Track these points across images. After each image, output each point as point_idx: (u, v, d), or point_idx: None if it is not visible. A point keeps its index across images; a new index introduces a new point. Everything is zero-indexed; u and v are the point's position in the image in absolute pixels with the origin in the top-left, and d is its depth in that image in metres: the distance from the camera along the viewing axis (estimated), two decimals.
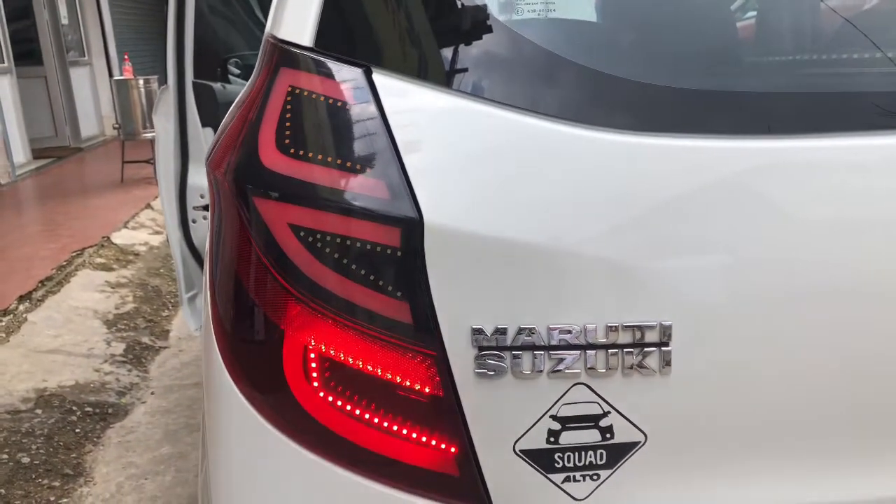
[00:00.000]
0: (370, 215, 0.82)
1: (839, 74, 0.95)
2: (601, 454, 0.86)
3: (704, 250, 0.83)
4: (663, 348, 0.83)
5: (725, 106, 0.85)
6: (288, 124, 0.85)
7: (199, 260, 2.59)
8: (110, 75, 10.20)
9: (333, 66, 0.87)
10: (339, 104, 0.85)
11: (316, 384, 0.86)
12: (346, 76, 0.86)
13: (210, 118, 2.52)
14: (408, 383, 0.84)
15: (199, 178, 2.48)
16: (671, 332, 0.82)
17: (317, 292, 0.84)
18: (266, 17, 2.94)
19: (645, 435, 0.85)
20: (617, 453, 0.86)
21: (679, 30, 0.93)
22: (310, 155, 0.84)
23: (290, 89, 0.86)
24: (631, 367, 0.83)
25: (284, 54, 0.89)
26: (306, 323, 0.85)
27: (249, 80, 1.04)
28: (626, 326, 0.82)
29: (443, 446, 0.85)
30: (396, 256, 0.82)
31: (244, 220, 0.87)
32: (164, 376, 3.42)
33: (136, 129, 7.00)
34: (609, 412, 0.84)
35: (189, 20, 2.38)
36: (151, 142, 7.15)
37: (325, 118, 0.86)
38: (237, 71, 3.16)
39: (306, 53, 0.88)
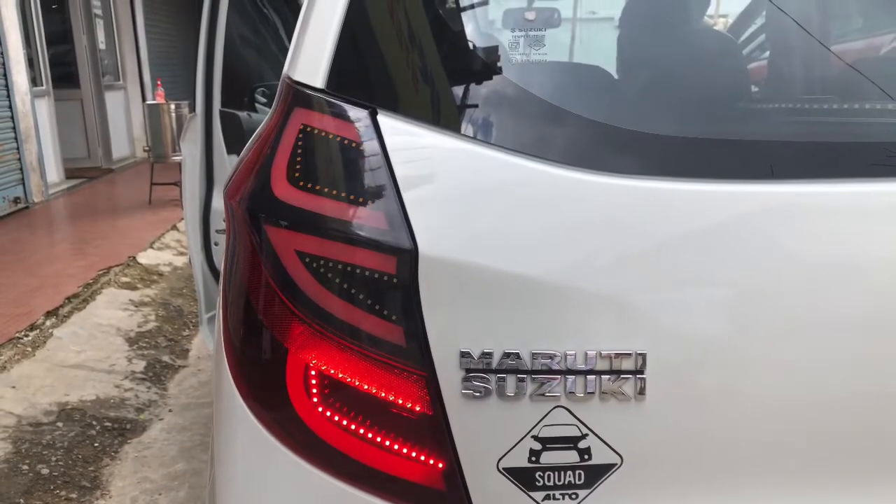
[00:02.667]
0: (369, 244, 0.89)
1: (839, 123, 1.01)
2: (580, 474, 0.91)
3: (680, 285, 0.88)
4: (638, 376, 0.88)
5: (701, 151, 0.92)
6: (299, 159, 0.93)
7: (219, 281, 2.67)
8: (143, 99, 10.49)
9: (342, 107, 0.95)
10: (345, 142, 0.93)
11: (316, 400, 0.92)
12: (354, 116, 0.94)
13: (236, 146, 2.61)
14: (400, 401, 0.91)
15: (222, 203, 2.57)
16: (646, 360, 0.88)
17: (318, 314, 0.91)
18: None
19: (621, 457, 0.91)
20: (594, 474, 0.91)
21: (678, 79, 1.00)
22: (317, 188, 0.92)
23: (302, 127, 0.94)
24: (608, 393, 0.89)
25: (298, 95, 0.97)
26: (308, 342, 0.92)
27: (267, 115, 1.13)
28: (604, 354, 0.88)
29: (431, 462, 0.91)
30: (392, 283, 0.89)
31: (255, 246, 0.94)
32: (182, 394, 3.50)
33: (165, 151, 7.19)
34: (587, 434, 0.90)
35: (219, 49, 2.49)
36: (180, 165, 7.33)
37: (332, 154, 0.93)
38: (263, 100, 3.27)
39: (318, 95, 0.96)
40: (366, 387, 0.91)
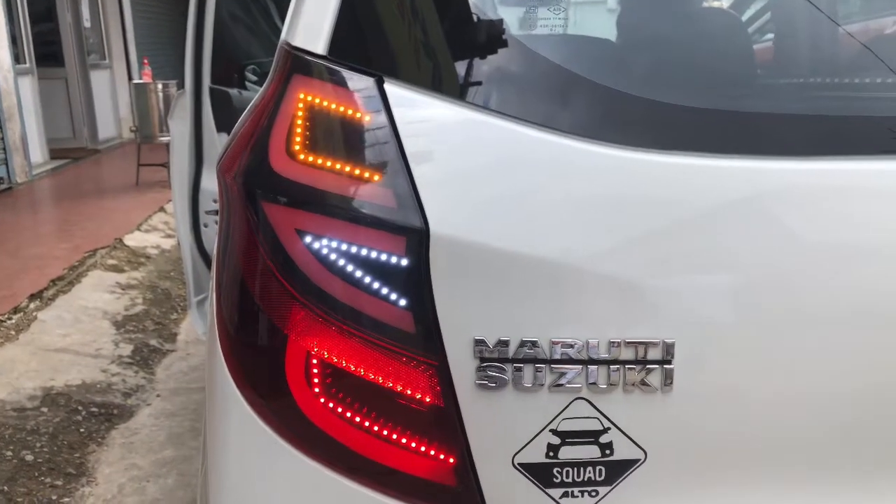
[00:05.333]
0: (376, 223, 0.82)
1: (855, 98, 0.95)
2: (600, 470, 0.85)
3: (711, 269, 0.82)
4: (666, 366, 0.82)
5: (737, 126, 0.85)
6: (299, 130, 0.86)
7: (209, 264, 2.60)
8: (129, 79, 10.31)
9: (346, 74, 0.88)
10: (350, 112, 0.86)
11: (317, 390, 0.86)
12: (358, 85, 0.87)
13: (226, 124, 2.53)
14: (408, 392, 0.84)
15: (212, 183, 2.49)
16: (674, 349, 0.82)
17: (321, 298, 0.84)
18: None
19: (645, 452, 0.85)
20: (616, 470, 0.85)
21: (693, 49, 0.93)
22: (319, 162, 0.85)
23: (302, 96, 0.87)
24: (632, 384, 0.83)
25: (298, 61, 0.89)
26: (309, 328, 0.85)
27: (263, 85, 1.05)
28: (629, 343, 0.82)
29: (441, 457, 0.85)
30: (401, 265, 0.82)
31: (252, 224, 0.87)
32: (170, 379, 3.43)
33: (152, 132, 7.06)
34: (609, 428, 0.84)
35: (209, 25, 2.40)
36: (167, 145, 7.20)
37: (335, 126, 0.86)
38: (254, 78, 3.18)
39: (319, 61, 0.88)
40: (371, 376, 0.84)
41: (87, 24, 9.72)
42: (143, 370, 3.50)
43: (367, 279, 0.83)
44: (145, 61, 7.87)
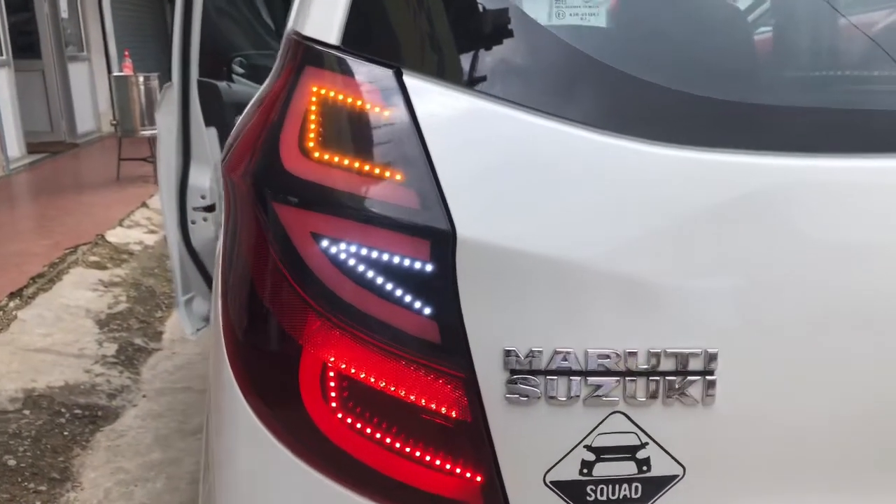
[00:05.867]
0: (399, 226, 0.77)
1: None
2: (636, 488, 0.80)
3: (757, 273, 0.78)
4: (707, 377, 0.78)
5: (783, 122, 0.81)
6: (312, 126, 0.80)
7: (197, 262, 2.53)
8: (109, 71, 10.13)
9: (362, 66, 0.82)
10: (367, 107, 0.80)
11: (334, 404, 0.80)
12: (376, 77, 0.81)
13: (214, 117, 2.46)
14: (433, 406, 0.79)
15: (200, 179, 2.42)
16: (717, 359, 0.77)
17: (339, 307, 0.78)
18: (272, 17, 2.90)
19: (683, 468, 0.80)
20: (653, 487, 0.81)
21: (735, 42, 0.88)
22: (335, 160, 0.79)
23: (315, 90, 0.81)
24: (672, 396, 0.78)
25: (309, 53, 0.84)
26: (327, 339, 0.79)
27: (268, 78, 0.99)
28: (669, 353, 0.77)
29: (468, 475, 0.80)
30: (426, 271, 0.77)
31: (262, 227, 0.81)
32: (156, 379, 3.35)
33: (134, 126, 6.93)
34: (647, 443, 0.79)
35: (196, 17, 2.33)
36: (149, 139, 7.08)
37: (351, 121, 0.81)
38: (241, 70, 3.12)
39: (333, 52, 0.83)
40: (393, 390, 0.79)
41: (64, 15, 9.53)
42: (127, 370, 3.41)
43: (389, 286, 0.77)
44: (126, 53, 7.72)
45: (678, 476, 0.80)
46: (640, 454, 0.80)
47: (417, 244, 0.76)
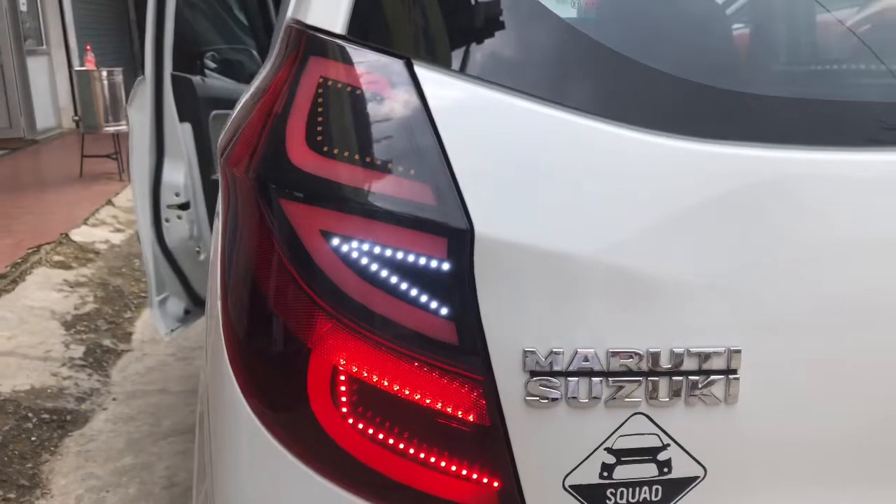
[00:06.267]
0: (414, 223, 0.74)
1: None
2: (657, 490, 0.79)
3: (782, 269, 0.76)
4: (731, 376, 0.76)
5: (806, 114, 0.79)
6: (320, 119, 0.77)
7: (171, 261, 2.47)
8: (69, 66, 9.88)
9: (370, 56, 0.79)
10: (377, 98, 0.77)
11: (344, 409, 0.77)
12: (385, 68, 0.78)
13: (189, 113, 2.40)
14: (449, 410, 0.76)
15: (174, 176, 2.36)
16: (740, 358, 0.76)
17: (351, 307, 0.75)
18: (243, 12, 2.83)
19: (704, 469, 0.79)
20: (673, 489, 0.79)
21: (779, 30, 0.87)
22: (345, 154, 0.76)
23: (321, 80, 0.78)
24: (695, 396, 0.76)
25: (313, 42, 0.80)
26: (336, 341, 0.76)
27: (266, 68, 0.95)
28: (692, 352, 0.75)
29: (485, 480, 0.77)
30: (442, 270, 0.74)
31: (267, 224, 0.78)
32: (126, 381, 3.27)
33: (97, 122, 6.76)
34: (668, 445, 0.77)
35: (170, 10, 2.27)
36: (113, 136, 6.93)
37: (361, 113, 0.77)
38: (213, 65, 3.06)
39: (339, 41, 0.79)
40: (407, 393, 0.76)
41: (23, 7, 9.27)
42: (96, 372, 3.32)
43: (404, 286, 0.74)
44: (88, 47, 7.52)
45: (699, 477, 0.79)
46: (661, 456, 0.78)
47: (434, 242, 0.73)
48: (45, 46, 9.90)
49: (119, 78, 6.84)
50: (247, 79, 3.01)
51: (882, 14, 0.97)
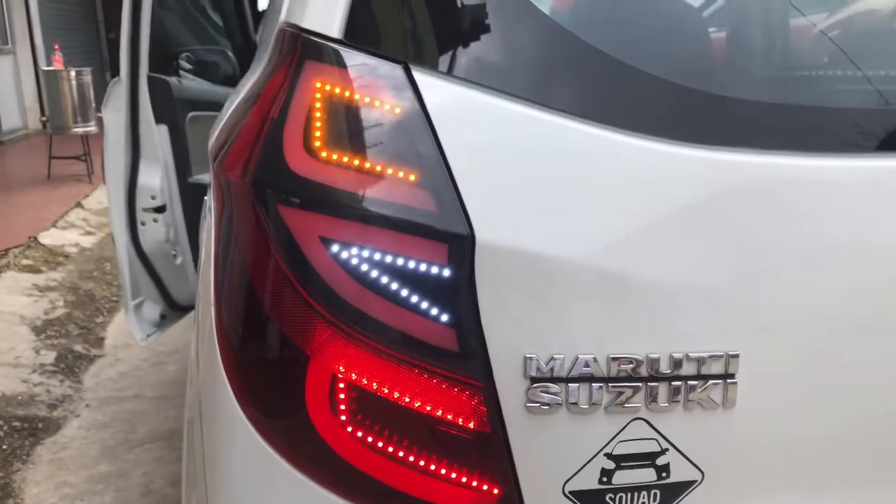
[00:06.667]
0: (414, 229, 0.73)
1: None
2: (655, 494, 0.79)
3: (780, 275, 0.77)
4: (729, 380, 0.77)
5: (811, 122, 0.80)
6: (318, 124, 0.76)
7: (147, 265, 2.43)
8: (35, 65, 9.69)
9: (368, 60, 0.78)
10: (375, 103, 0.76)
11: (343, 417, 0.76)
12: (383, 72, 0.77)
13: (165, 114, 2.37)
14: (450, 417, 0.76)
15: (150, 178, 2.33)
16: (738, 362, 0.76)
17: (349, 314, 0.74)
18: (218, 13, 2.79)
19: (702, 473, 0.79)
20: (671, 493, 0.79)
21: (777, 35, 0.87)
22: (344, 159, 0.75)
23: (318, 85, 0.77)
24: (694, 401, 0.77)
25: (309, 46, 0.79)
26: (335, 348, 0.75)
27: (258, 72, 0.94)
28: (691, 357, 0.76)
29: (485, 487, 0.77)
30: (443, 276, 0.73)
31: (264, 230, 0.77)
32: (99, 387, 3.21)
33: (65, 122, 6.65)
34: (667, 449, 0.78)
35: (146, 9, 2.24)
36: (82, 137, 6.81)
37: (360, 119, 0.77)
38: (188, 66, 3.02)
39: (335, 46, 0.78)
40: (407, 400, 0.75)
41: None
42: (68, 378, 3.26)
43: (405, 292, 0.74)
44: (56, 47, 7.39)
45: (697, 481, 0.79)
46: (660, 460, 0.78)
47: (434, 248, 0.73)
48: (9, 45, 9.71)
49: (88, 78, 6.73)
50: (222, 80, 2.98)
51: (866, 21, 0.98)
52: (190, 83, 2.72)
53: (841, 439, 0.81)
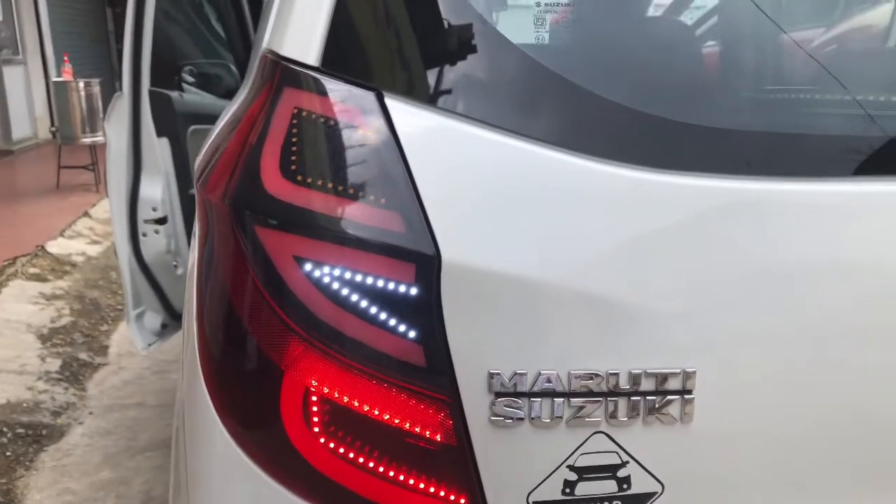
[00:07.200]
0: (383, 249, 0.77)
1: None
2: None
3: (731, 295, 0.80)
4: (686, 396, 0.80)
5: (759, 146, 0.83)
6: (294, 149, 0.80)
7: (148, 276, 2.47)
8: (46, 76, 9.81)
9: (343, 88, 0.82)
10: (349, 129, 0.80)
11: (316, 429, 0.79)
12: (357, 99, 0.81)
13: (167, 128, 2.42)
14: (417, 430, 0.79)
15: (151, 190, 2.37)
16: (695, 379, 0.79)
17: (321, 330, 0.78)
18: (222, 25, 2.83)
19: (662, 485, 0.82)
20: None
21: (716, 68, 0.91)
22: (318, 182, 0.79)
23: (295, 111, 0.81)
24: (652, 416, 0.80)
25: (287, 73, 0.83)
26: (308, 363, 0.79)
27: (241, 97, 0.98)
28: (650, 373, 0.79)
29: (452, 497, 0.80)
30: (410, 294, 0.77)
31: (242, 249, 0.80)
32: (103, 395, 3.25)
33: (74, 133, 6.72)
34: (628, 462, 0.81)
35: (148, 24, 2.28)
36: (90, 147, 6.89)
37: (333, 143, 0.80)
38: (191, 79, 3.06)
39: (312, 73, 0.82)
40: (377, 413, 0.79)
41: None
42: (73, 386, 3.30)
43: (374, 310, 0.77)
44: (66, 58, 7.48)
45: (657, 493, 0.82)
46: (621, 472, 0.81)
47: (402, 268, 0.76)
48: (21, 56, 9.83)
49: (97, 89, 6.81)
50: (224, 93, 3.03)
51: (840, 44, 1.01)
52: (192, 97, 2.77)
53: (798, 453, 0.84)
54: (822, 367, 0.82)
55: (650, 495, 0.82)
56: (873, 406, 0.84)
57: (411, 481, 0.80)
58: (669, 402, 0.80)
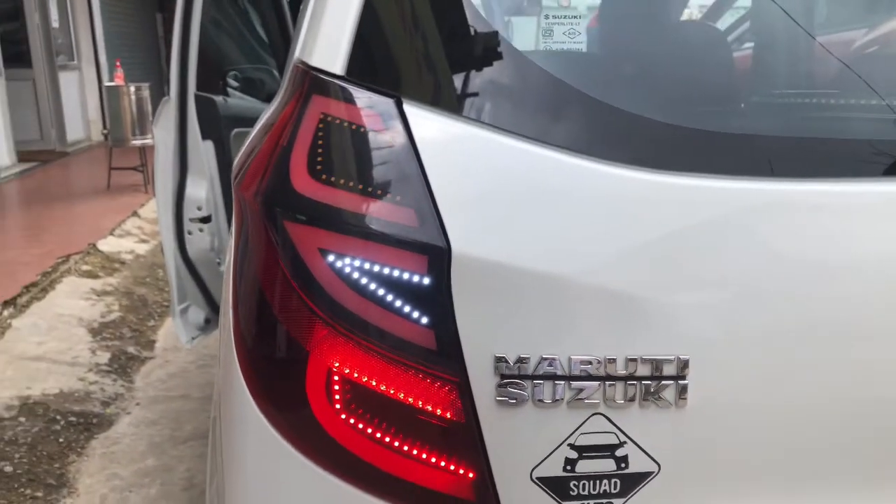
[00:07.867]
0: (399, 242, 0.84)
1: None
2: (615, 483, 0.88)
3: (722, 286, 0.85)
4: (680, 381, 0.85)
5: (741, 147, 0.89)
6: (320, 150, 0.87)
7: (193, 272, 2.58)
8: (99, 80, 10.16)
9: (365, 95, 0.89)
10: (370, 132, 0.87)
11: (338, 406, 0.87)
12: (378, 105, 0.88)
13: (211, 131, 2.52)
14: (429, 408, 0.86)
15: (196, 191, 2.48)
16: (688, 365, 0.85)
17: (343, 316, 0.85)
18: (265, 31, 2.93)
19: (658, 465, 0.88)
20: (630, 482, 0.88)
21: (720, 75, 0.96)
22: (341, 181, 0.86)
23: (322, 116, 0.89)
24: (648, 399, 0.85)
25: (316, 82, 0.91)
26: (331, 346, 0.86)
27: (276, 103, 1.06)
28: (645, 359, 0.85)
29: (461, 472, 0.87)
30: (423, 284, 0.84)
31: (273, 243, 0.88)
32: (149, 387, 3.39)
33: (125, 135, 6.96)
34: (625, 442, 0.87)
35: (195, 31, 2.39)
36: (140, 149, 7.13)
37: (356, 146, 0.88)
38: (236, 84, 3.17)
39: (338, 82, 0.90)
40: (393, 392, 0.86)
41: (55, 24, 9.57)
42: (121, 378, 3.45)
43: (390, 297, 0.84)
44: (118, 63, 7.76)
45: (653, 472, 0.88)
46: (619, 452, 0.87)
47: (416, 259, 0.84)
48: (75, 61, 10.19)
49: (146, 93, 7.04)
50: (267, 97, 3.14)
51: (862, 51, 1.06)
52: (236, 101, 2.87)
53: (789, 436, 0.89)
54: (816, 357, 0.87)
55: (647, 474, 0.88)
56: (865, 393, 0.89)
57: (424, 455, 0.87)
58: (664, 386, 0.85)
